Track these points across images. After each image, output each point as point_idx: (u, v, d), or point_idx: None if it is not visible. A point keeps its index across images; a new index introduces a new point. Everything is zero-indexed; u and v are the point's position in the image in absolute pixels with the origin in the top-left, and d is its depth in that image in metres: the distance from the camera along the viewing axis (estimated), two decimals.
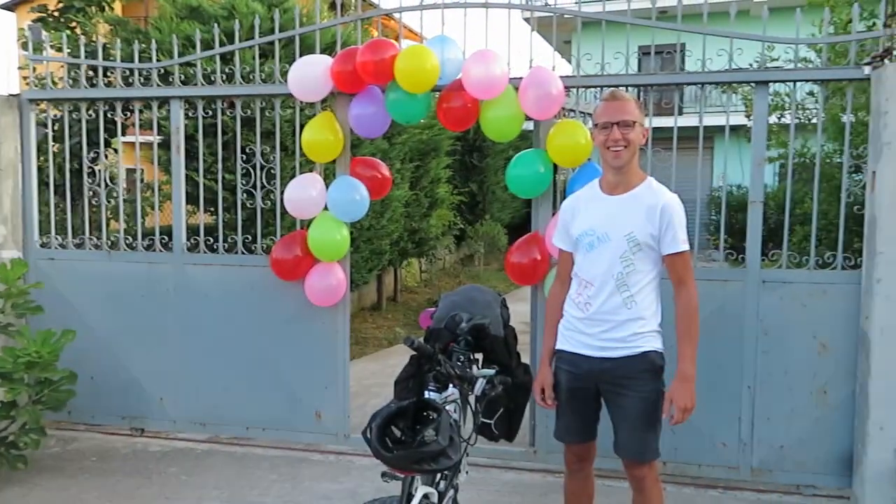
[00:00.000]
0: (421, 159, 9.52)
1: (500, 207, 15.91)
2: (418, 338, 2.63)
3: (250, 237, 4.68)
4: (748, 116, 6.44)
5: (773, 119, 6.83)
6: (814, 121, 6.74)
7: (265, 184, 4.60)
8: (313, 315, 4.41)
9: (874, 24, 5.07)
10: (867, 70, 3.67)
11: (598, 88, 4.13)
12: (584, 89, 4.17)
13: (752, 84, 3.91)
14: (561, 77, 3.91)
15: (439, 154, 10.07)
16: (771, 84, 3.89)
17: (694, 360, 2.59)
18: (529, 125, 4.20)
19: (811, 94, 6.82)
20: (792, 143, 3.99)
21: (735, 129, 8.09)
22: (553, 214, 3.95)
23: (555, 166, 4.01)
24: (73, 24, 7.00)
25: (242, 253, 4.56)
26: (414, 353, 2.76)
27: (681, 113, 11.80)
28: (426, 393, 2.78)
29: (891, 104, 3.52)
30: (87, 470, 4.25)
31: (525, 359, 3.36)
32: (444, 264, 13.96)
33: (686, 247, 2.65)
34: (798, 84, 3.98)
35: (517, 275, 4.01)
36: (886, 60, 3.58)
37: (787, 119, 6.93)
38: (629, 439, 2.69)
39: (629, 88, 4.09)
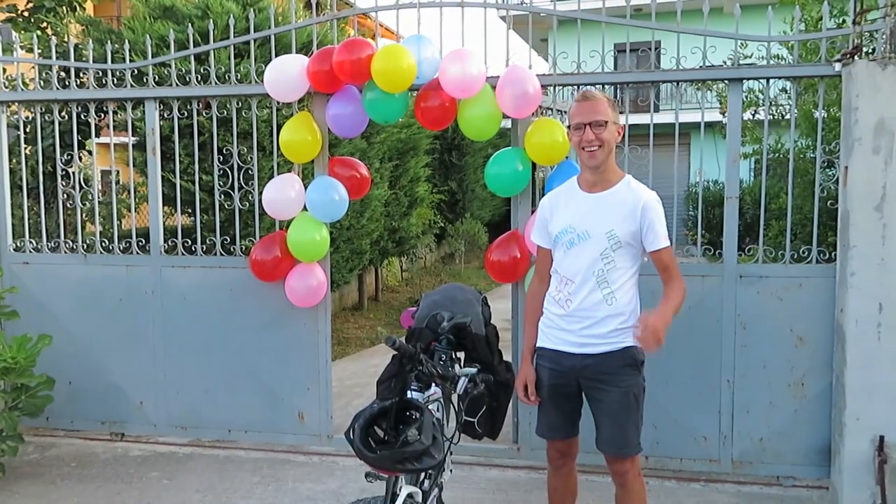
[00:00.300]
0: (400, 158, 9.52)
1: (479, 205, 15.92)
2: (400, 337, 2.64)
3: (229, 238, 4.66)
4: (723, 113, 6.53)
5: (747, 115, 6.92)
6: (787, 117, 6.84)
7: (243, 185, 4.59)
8: (294, 316, 4.41)
9: (844, 21, 5.17)
10: (838, 67, 3.75)
11: (575, 87, 4.17)
12: (560, 87, 4.20)
13: (726, 81, 3.97)
14: (538, 76, 3.93)
15: (418, 153, 10.07)
16: (745, 81, 3.95)
17: (670, 313, 2.55)
18: (507, 123, 4.22)
19: (784, 90, 6.92)
20: (766, 140, 4.07)
21: (710, 126, 8.22)
22: (532, 212, 3.97)
23: (533, 164, 4.03)
24: (44, 24, 6.92)
25: (221, 254, 4.55)
26: (395, 352, 2.76)
27: (657, 110, 11.91)
28: (409, 392, 2.78)
29: (861, 100, 3.59)
30: (67, 476, 4.22)
31: (507, 356, 3.38)
32: (425, 263, 13.96)
33: (667, 242, 2.69)
34: (771, 81, 4.05)
35: (497, 273, 4.04)
36: (856, 57, 3.65)
37: (762, 115, 7.04)
38: (611, 434, 2.72)
39: (605, 87, 4.13)
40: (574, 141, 2.73)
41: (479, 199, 15.73)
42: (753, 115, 7.14)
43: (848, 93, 3.67)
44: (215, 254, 4.57)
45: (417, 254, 12.27)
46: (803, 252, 3.96)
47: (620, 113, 2.86)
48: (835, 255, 3.83)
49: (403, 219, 9.98)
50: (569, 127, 2.77)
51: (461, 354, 3.27)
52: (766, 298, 3.90)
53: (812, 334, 3.86)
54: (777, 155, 6.83)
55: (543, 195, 3.49)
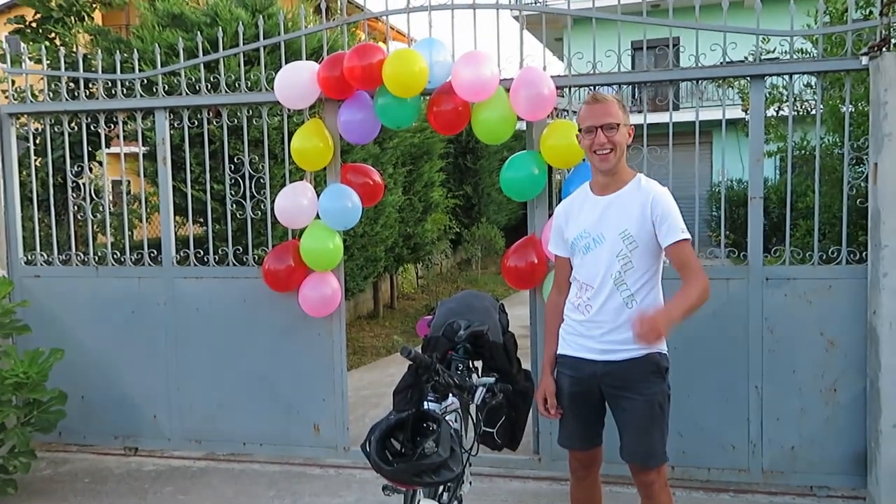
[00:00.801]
0: (413, 163, 9.54)
1: (496, 209, 15.91)
2: (416, 347, 2.63)
3: (241, 248, 4.67)
4: (745, 111, 6.46)
5: (770, 112, 6.84)
6: (813, 113, 6.76)
7: (255, 193, 4.60)
8: (308, 326, 4.41)
9: (871, 13, 5.09)
10: (865, 60, 3.68)
11: (591, 87, 4.15)
12: (576, 88, 4.18)
13: (748, 78, 3.92)
14: (552, 77, 3.92)
15: (432, 157, 10.09)
16: (767, 77, 3.89)
17: (680, 312, 2.49)
18: (523, 125, 4.20)
19: (809, 86, 6.84)
20: (791, 137, 4.01)
21: (733, 123, 8.14)
22: (549, 216, 3.95)
23: (549, 167, 4.02)
24: (52, 34, 6.99)
25: (234, 265, 4.56)
26: (411, 363, 2.76)
27: (676, 109, 11.71)
28: (425, 403, 2.79)
29: (890, 94, 3.53)
30: (80, 492, 4.23)
31: (525, 364, 3.37)
32: (441, 269, 13.97)
33: (686, 235, 2.64)
34: (795, 76, 3.99)
35: (514, 279, 4.02)
36: (884, 50, 3.59)
37: (786, 112, 6.95)
38: (636, 444, 2.69)
39: (622, 87, 4.09)
40: (585, 144, 2.73)
41: (496, 203, 15.73)
42: (777, 112, 7.06)
43: (876, 87, 3.60)
44: (228, 264, 4.58)
45: (433, 260, 12.26)
46: (832, 252, 3.90)
47: (637, 112, 2.83)
48: (865, 255, 3.76)
49: (418, 225, 10.01)
50: (579, 130, 2.76)
51: (479, 363, 3.26)
52: (794, 301, 3.84)
53: (843, 338, 3.79)
54: (803, 152, 6.75)
55: (561, 198, 3.47)
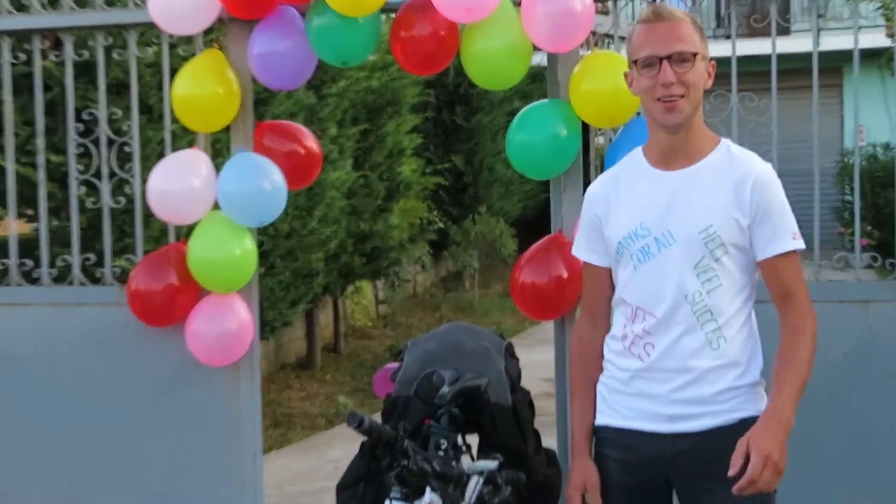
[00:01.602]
0: (371, 120, 9.51)
1: (502, 193, 15.94)
2: (373, 415, 2.65)
3: (94, 257, 4.64)
4: (891, 36, 6.51)
5: None
6: None
7: (115, 169, 4.57)
8: (201, 382, 4.39)
9: None
10: None
11: (649, 0, 4.18)
12: (627, 1, 4.19)
13: None
14: None
15: (400, 111, 10.09)
16: None
17: (795, 402, 2.59)
18: (542, 59, 4.22)
19: None
20: None
21: (873, 57, 8.16)
22: None
23: (585, 126, 4.03)
24: None
25: (81, 283, 4.54)
26: (365, 438, 2.78)
27: (786, 33, 11.91)
28: None
29: None
30: None
31: (549, 441, 3.38)
32: (416, 289, 13.96)
33: (798, 243, 2.69)
34: None
35: (531, 304, 4.01)
36: None
37: None
38: None
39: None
40: (642, 86, 2.75)
41: (502, 184, 15.76)
42: None
43: None
44: (71, 282, 4.55)
45: (402, 274, 12.23)
46: None
47: (724, 38, 2.86)
48: None
49: (378, 218, 9.97)
50: (633, 63, 2.78)
51: (473, 438, 3.28)
52: None
53: None
54: None
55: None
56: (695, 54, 2.69)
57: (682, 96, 2.69)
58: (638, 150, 2.89)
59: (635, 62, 2.75)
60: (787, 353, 2.64)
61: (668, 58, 2.68)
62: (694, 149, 2.76)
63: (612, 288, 2.90)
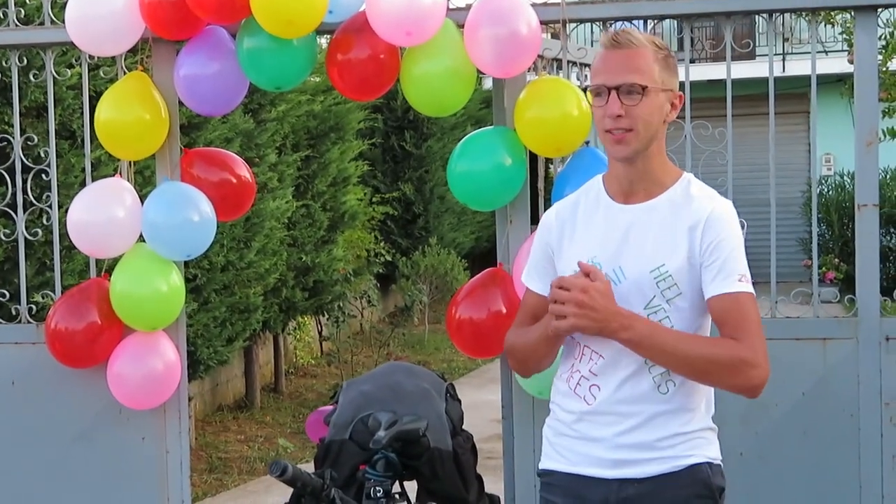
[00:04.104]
0: (313, 146, 9.55)
1: (454, 224, 15.99)
2: (301, 464, 2.62)
3: (8, 293, 4.61)
4: (851, 62, 6.59)
5: (894, 66, 6.99)
6: None
7: (33, 199, 4.53)
8: (124, 425, 4.36)
9: None
10: None
11: (600, 22, 4.16)
12: (576, 24, 4.21)
13: (851, 12, 3.98)
14: (535, 5, 3.93)
15: (345, 136, 10.13)
16: (881, 9, 3.94)
17: (655, 339, 2.61)
18: (490, 84, 4.21)
19: None
20: None
21: (840, 82, 8.25)
22: (531, 234, 3.94)
23: (532, 155, 4.03)
24: None
25: None
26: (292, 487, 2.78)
27: (750, 57, 11.90)
28: None
29: None
30: None
31: (493, 485, 3.34)
32: (363, 325, 13.92)
33: (744, 286, 2.66)
34: None
35: (469, 341, 4.03)
36: None
37: None
38: None
39: (654, 22, 4.11)
40: (596, 116, 2.76)
41: (454, 214, 15.81)
42: None
43: None
44: None
45: (347, 309, 12.17)
46: None
47: (679, 61, 2.83)
48: None
49: (321, 250, 9.99)
50: (590, 90, 2.78)
51: (412, 485, 3.33)
52: None
53: None
54: None
55: (550, 205, 3.46)
56: (644, 86, 2.67)
57: (630, 130, 2.68)
58: (598, 179, 2.88)
59: (590, 89, 2.76)
60: (713, 338, 2.70)
61: (617, 88, 2.67)
62: (653, 182, 2.76)
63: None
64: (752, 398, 2.70)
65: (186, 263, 4.97)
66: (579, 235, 2.81)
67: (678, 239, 2.68)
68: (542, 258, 2.91)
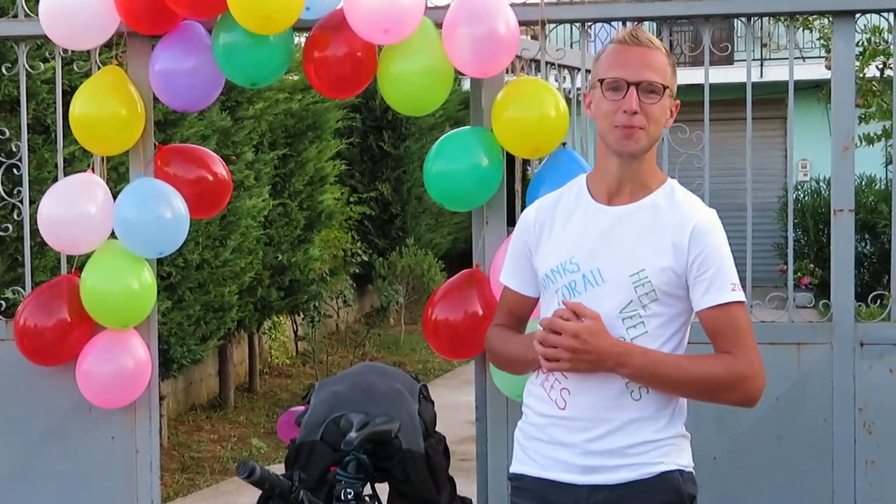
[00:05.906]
0: (291, 144, 9.51)
1: (431, 224, 15.95)
2: (264, 465, 2.62)
3: None
4: (828, 68, 6.63)
5: (871, 72, 7.02)
6: None
7: (5, 194, 4.52)
8: (93, 423, 4.34)
9: None
10: None
11: (579, 24, 4.17)
12: (555, 25, 4.21)
13: (829, 17, 4.01)
14: (513, 5, 3.93)
15: (323, 135, 10.09)
16: (860, 14, 3.98)
17: (655, 368, 2.63)
18: (468, 84, 4.23)
19: None
20: None
21: (817, 88, 8.25)
22: (508, 236, 3.95)
23: (509, 156, 4.03)
24: None
25: None
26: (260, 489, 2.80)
27: (730, 62, 11.79)
28: None
29: None
30: None
31: (466, 488, 3.35)
32: (339, 325, 13.91)
33: (737, 295, 2.68)
34: None
35: (444, 341, 4.03)
36: None
37: (893, 70, 7.15)
38: None
39: (633, 24, 4.12)
40: (602, 109, 2.73)
41: (432, 214, 15.78)
42: (882, 71, 7.24)
43: None
44: None
45: (323, 309, 12.16)
46: None
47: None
48: None
49: (298, 249, 9.96)
50: (599, 82, 2.73)
51: (383, 487, 3.31)
52: None
53: None
54: None
55: (525, 207, 3.47)
56: (665, 88, 2.70)
57: (643, 128, 2.69)
58: (582, 178, 2.88)
59: (601, 82, 2.73)
60: (708, 357, 2.69)
61: (637, 85, 2.68)
62: (639, 185, 2.76)
63: (525, 321, 2.93)
64: (750, 408, 2.76)
65: (161, 261, 4.97)
66: (557, 234, 2.82)
67: (660, 246, 2.69)
68: (520, 256, 2.92)
